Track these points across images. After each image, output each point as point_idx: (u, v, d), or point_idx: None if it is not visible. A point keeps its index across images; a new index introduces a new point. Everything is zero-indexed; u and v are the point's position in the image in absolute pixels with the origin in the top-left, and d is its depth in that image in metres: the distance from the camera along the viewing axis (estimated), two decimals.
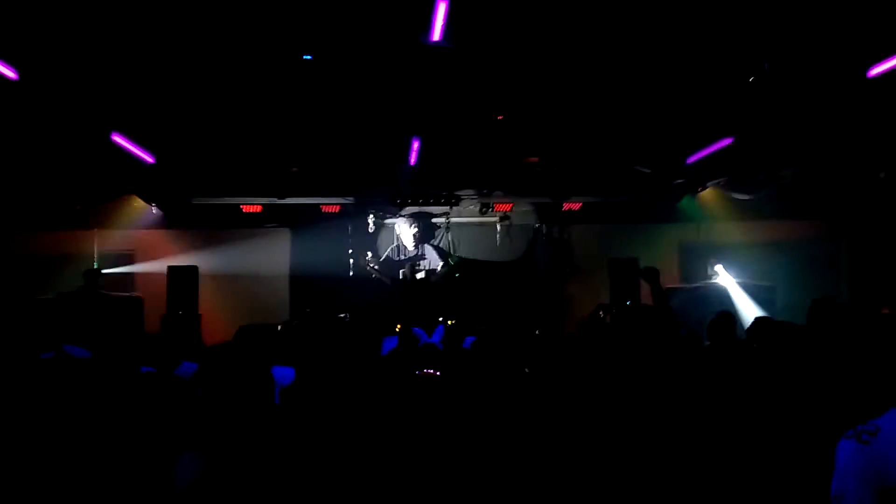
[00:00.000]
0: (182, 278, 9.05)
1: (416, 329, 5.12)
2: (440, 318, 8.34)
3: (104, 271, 9.26)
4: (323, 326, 4.58)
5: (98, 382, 2.40)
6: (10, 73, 5.27)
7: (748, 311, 8.82)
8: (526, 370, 3.44)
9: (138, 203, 9.72)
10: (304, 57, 5.95)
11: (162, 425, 2.56)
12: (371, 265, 9.07)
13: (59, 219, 9.47)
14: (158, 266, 9.49)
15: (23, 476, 2.18)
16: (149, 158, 8.09)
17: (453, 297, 9.24)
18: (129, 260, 10.03)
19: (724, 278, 9.50)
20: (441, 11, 5.03)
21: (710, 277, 9.63)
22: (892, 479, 1.60)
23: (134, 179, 8.90)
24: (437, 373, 3.18)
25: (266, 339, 4.18)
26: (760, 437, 2.43)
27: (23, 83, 5.44)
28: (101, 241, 9.81)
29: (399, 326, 6.90)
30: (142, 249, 10.08)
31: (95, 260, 9.59)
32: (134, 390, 2.62)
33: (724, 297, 9.19)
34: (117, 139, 7.30)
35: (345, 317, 8.73)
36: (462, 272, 9.54)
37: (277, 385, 3.10)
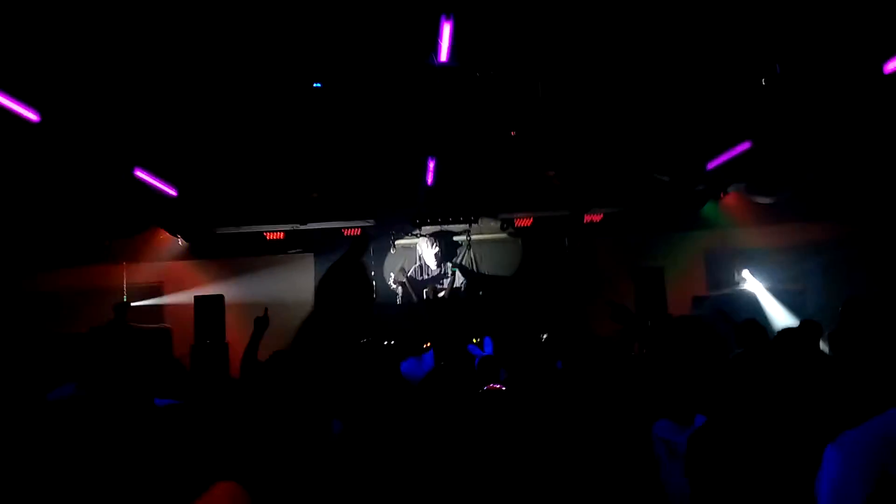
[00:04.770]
0: (209, 308, 9.15)
1: (470, 346, 5.04)
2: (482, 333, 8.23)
3: (133, 304, 9.42)
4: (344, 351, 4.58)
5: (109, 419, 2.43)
6: (31, 116, 5.42)
7: (778, 316, 8.65)
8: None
9: (164, 235, 9.90)
10: (315, 84, 6.03)
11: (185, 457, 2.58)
12: (400, 282, 9.16)
13: (87, 254, 9.68)
14: (186, 297, 9.63)
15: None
16: (172, 191, 8.25)
17: (477, 315, 9.21)
18: (157, 292, 10.21)
19: (752, 284, 9.35)
20: (446, 32, 5.08)
21: (737, 284, 9.49)
22: None
23: (158, 212, 9.07)
24: (503, 388, 3.11)
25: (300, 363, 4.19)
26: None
27: (44, 125, 5.59)
28: (130, 275, 10.00)
29: (427, 344, 6.89)
30: (169, 281, 10.26)
31: (124, 293, 9.77)
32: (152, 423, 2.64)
33: (753, 303, 9.04)
34: (140, 174, 7.46)
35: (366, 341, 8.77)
36: (486, 289, 9.52)
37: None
